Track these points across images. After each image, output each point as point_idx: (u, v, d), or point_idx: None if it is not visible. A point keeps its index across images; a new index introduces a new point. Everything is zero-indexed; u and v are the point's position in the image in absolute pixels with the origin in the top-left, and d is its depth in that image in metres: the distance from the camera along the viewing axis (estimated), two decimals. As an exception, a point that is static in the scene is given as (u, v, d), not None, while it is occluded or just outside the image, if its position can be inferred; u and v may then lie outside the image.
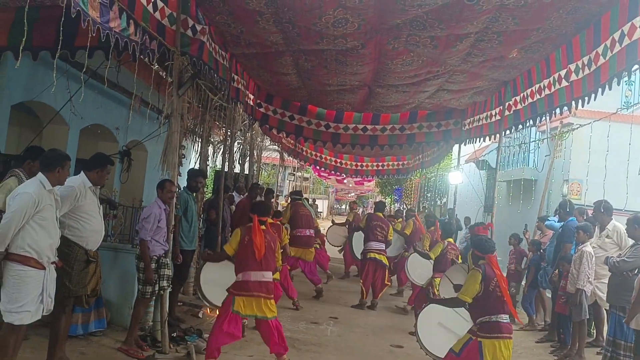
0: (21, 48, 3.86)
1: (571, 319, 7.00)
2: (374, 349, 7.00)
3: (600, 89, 5.27)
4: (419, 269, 8.23)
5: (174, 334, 6.13)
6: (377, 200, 15.77)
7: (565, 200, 8.39)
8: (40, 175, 4.24)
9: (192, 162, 12.60)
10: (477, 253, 5.03)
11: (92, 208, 4.83)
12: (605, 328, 7.16)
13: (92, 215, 4.80)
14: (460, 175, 12.16)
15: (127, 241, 7.67)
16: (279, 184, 24.14)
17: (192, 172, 7.45)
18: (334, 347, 6.85)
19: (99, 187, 5.04)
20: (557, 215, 8.31)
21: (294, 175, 29.51)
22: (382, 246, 9.65)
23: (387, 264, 9.81)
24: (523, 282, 9.17)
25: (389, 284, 10.02)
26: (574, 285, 6.77)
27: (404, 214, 13.89)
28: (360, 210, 19.16)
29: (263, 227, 5.53)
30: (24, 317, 4.06)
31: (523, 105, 7.26)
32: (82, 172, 4.88)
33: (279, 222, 8.62)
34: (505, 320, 4.74)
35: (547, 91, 6.51)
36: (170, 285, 6.07)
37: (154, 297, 5.90)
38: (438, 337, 5.32)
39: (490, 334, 4.71)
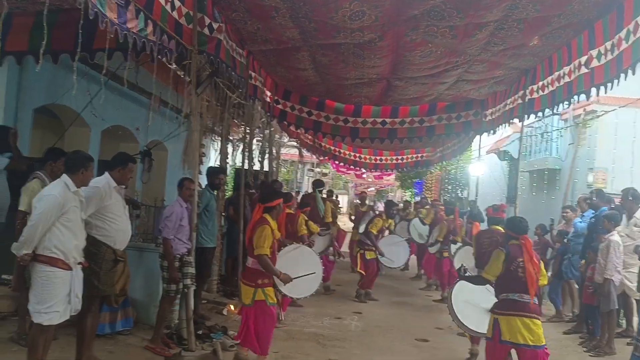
0: (42, 51, 3.88)
1: (600, 310, 6.88)
2: (399, 343, 6.96)
3: (623, 75, 5.15)
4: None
5: (200, 332, 6.16)
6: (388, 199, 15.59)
7: (595, 190, 8.20)
8: (64, 176, 4.29)
9: (212, 160, 12.65)
10: (511, 234, 4.95)
11: (118, 208, 4.87)
12: (635, 318, 7.03)
13: (118, 215, 4.84)
14: (481, 166, 12.00)
15: (151, 240, 7.74)
16: (297, 180, 24.15)
17: (212, 170, 7.47)
18: (358, 342, 6.83)
19: (124, 187, 5.08)
20: (580, 208, 8.16)
21: (312, 170, 29.51)
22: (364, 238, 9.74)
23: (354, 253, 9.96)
24: (549, 274, 8.99)
25: (360, 271, 9.76)
26: (602, 275, 6.65)
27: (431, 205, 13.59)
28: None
29: (267, 215, 5.46)
30: (53, 317, 4.12)
31: (542, 93, 7.13)
32: (106, 172, 4.91)
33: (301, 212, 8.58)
34: (524, 300, 4.67)
35: (567, 79, 6.38)
36: (195, 283, 6.10)
37: (179, 295, 5.94)
38: (471, 312, 5.37)
39: (506, 310, 4.71)
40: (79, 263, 4.29)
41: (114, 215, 4.80)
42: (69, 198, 4.18)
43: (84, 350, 4.77)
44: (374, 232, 9.66)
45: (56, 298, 4.10)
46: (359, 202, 13.50)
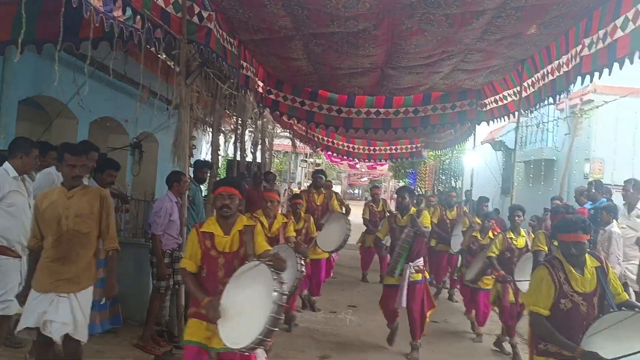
0: (20, 40, 3.72)
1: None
2: (396, 338, 6.84)
3: (617, 63, 4.93)
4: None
5: (191, 329, 6.02)
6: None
7: (594, 181, 8.06)
8: (5, 163, 4.22)
9: (204, 152, 12.46)
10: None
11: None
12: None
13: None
14: (476, 156, 11.86)
15: (140, 235, 7.58)
16: (291, 171, 24.02)
17: (197, 164, 7.32)
18: (354, 336, 6.73)
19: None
20: (577, 201, 8.04)
21: (306, 161, 29.32)
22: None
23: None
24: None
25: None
26: (602, 267, 6.56)
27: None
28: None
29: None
30: (9, 306, 3.98)
31: (543, 82, 7.02)
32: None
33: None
34: None
35: (565, 68, 6.26)
36: (186, 279, 5.95)
37: (170, 292, 5.80)
38: None
39: None
40: None
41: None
42: (7, 182, 4.11)
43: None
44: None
45: (8, 286, 3.97)
46: (372, 200, 11.61)
